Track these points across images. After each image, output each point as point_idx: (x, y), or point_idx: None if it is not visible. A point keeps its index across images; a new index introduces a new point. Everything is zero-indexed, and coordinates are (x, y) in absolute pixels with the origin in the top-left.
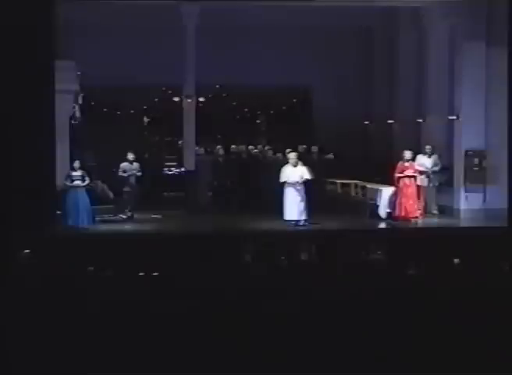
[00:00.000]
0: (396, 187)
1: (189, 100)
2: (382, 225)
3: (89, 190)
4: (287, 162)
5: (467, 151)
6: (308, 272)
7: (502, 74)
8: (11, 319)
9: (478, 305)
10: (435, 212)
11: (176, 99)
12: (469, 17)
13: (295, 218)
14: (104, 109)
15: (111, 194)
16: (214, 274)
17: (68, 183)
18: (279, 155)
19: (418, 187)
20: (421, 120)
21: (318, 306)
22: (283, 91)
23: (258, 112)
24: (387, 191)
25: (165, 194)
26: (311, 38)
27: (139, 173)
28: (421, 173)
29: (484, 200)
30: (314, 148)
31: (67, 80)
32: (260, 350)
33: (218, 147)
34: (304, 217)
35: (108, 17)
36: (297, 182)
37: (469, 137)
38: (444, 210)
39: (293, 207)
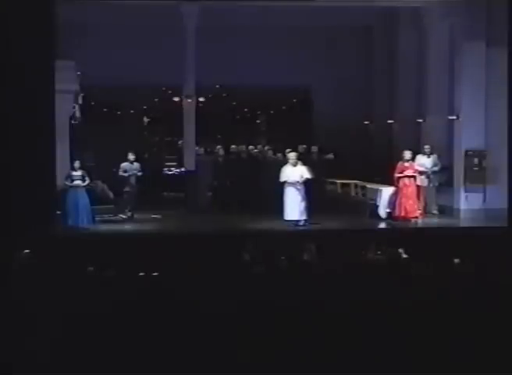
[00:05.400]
0: (396, 187)
1: (189, 100)
2: (382, 225)
3: (89, 190)
4: (287, 162)
5: (467, 151)
6: (308, 272)
7: (502, 74)
8: (11, 319)
9: (478, 305)
10: (435, 212)
11: (176, 99)
12: (469, 17)
13: (296, 218)
14: (104, 109)
15: (111, 194)
16: (214, 274)
17: (68, 183)
18: (279, 155)
19: (418, 187)
20: (421, 120)
21: (318, 306)
22: (283, 91)
23: (258, 112)
24: (387, 191)
25: (165, 194)
26: (311, 38)
27: (139, 173)
28: (420, 173)
29: (484, 200)
30: (314, 148)
31: (67, 80)
32: (260, 350)
33: (218, 147)
34: (304, 217)
35: (108, 17)
36: (297, 182)
37: (469, 137)
38: (444, 210)
39: (294, 207)
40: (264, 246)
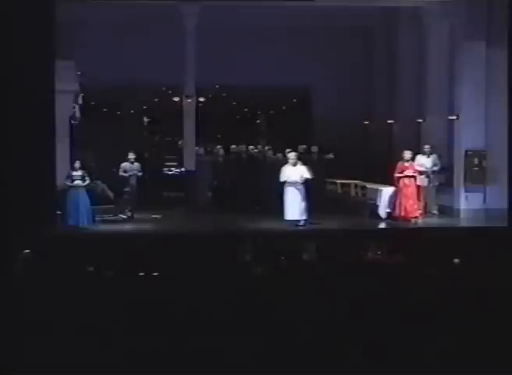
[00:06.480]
0: (396, 187)
1: (189, 100)
2: (382, 225)
3: (89, 190)
4: (287, 162)
5: (467, 151)
6: (308, 272)
7: (502, 74)
8: (11, 319)
9: (477, 306)
10: (435, 212)
11: (176, 99)
12: (469, 17)
13: (296, 218)
14: (104, 109)
15: (111, 194)
16: (214, 274)
17: (68, 183)
18: (279, 155)
19: (418, 187)
20: (421, 120)
21: (318, 306)
22: (283, 91)
23: (258, 112)
24: (387, 191)
25: (165, 194)
26: (310, 38)
27: (139, 173)
28: (420, 173)
29: (484, 200)
30: (314, 148)
31: (67, 80)
32: (260, 350)
33: (218, 147)
34: (304, 217)
35: (108, 17)
36: (297, 182)
37: (469, 137)
38: (444, 210)
39: (294, 207)
40: (264, 246)
